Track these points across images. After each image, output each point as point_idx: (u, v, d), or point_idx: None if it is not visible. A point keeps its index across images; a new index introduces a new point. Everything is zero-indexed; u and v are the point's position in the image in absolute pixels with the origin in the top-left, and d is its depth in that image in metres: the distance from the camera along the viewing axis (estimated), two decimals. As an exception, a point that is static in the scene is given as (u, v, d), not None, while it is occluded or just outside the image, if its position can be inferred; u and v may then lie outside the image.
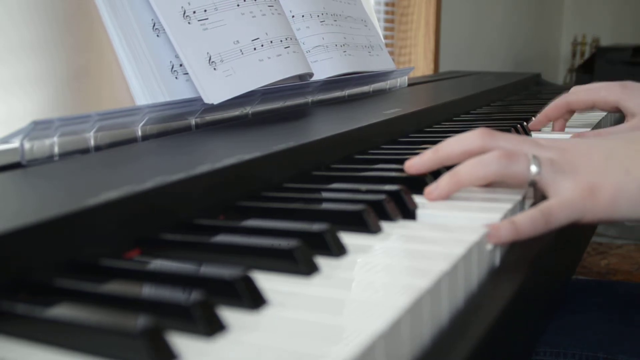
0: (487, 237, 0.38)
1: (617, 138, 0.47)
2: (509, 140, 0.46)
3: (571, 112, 0.76)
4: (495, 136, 0.46)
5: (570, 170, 0.43)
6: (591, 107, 0.74)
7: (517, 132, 0.73)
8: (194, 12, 0.64)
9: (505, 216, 0.42)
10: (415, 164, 0.48)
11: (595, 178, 0.43)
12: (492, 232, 0.39)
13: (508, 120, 0.81)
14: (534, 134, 0.77)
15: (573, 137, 0.67)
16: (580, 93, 0.74)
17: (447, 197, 0.46)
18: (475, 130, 0.47)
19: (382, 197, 0.42)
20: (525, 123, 0.78)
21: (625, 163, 0.43)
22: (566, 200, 0.42)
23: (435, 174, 0.50)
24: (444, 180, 0.45)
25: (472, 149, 0.46)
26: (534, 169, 0.43)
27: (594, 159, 0.44)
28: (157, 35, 0.63)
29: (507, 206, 0.44)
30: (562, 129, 0.77)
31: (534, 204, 0.47)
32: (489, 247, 0.38)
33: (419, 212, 0.43)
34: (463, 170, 0.45)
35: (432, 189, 0.46)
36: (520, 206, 0.46)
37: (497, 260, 0.40)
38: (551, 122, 0.79)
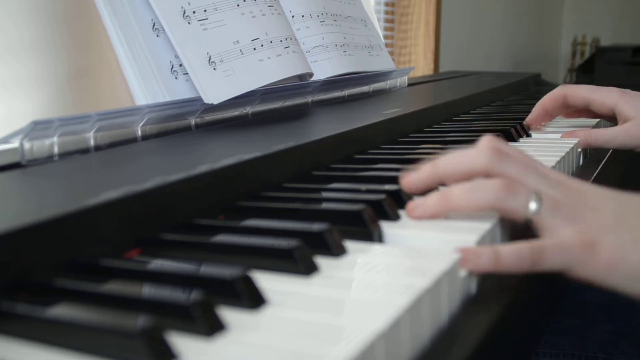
0: (461, 261, 0.35)
1: (631, 198, 0.42)
2: (517, 166, 0.41)
3: (566, 106, 0.75)
4: (502, 157, 0.41)
5: (574, 218, 0.40)
6: (586, 105, 0.73)
7: (517, 132, 0.73)
8: (194, 12, 0.64)
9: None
10: (412, 182, 0.44)
11: (599, 236, 0.39)
12: (470, 257, 0.36)
13: (508, 120, 0.81)
14: (535, 135, 0.76)
15: (575, 150, 0.66)
16: (579, 89, 0.73)
17: (430, 218, 0.42)
18: (481, 147, 0.42)
19: (382, 196, 0.42)
20: (525, 123, 0.78)
21: (635, 231, 0.39)
22: (562, 245, 0.38)
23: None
24: (432, 200, 0.41)
25: (476, 170, 0.41)
26: (532, 206, 0.39)
27: (602, 214, 0.40)
28: (157, 35, 0.63)
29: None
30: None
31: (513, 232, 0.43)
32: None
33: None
34: (456, 195, 0.40)
35: (416, 205, 0.42)
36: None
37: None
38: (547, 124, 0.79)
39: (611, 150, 0.73)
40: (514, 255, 0.36)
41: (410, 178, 0.44)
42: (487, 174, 0.41)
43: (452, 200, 0.41)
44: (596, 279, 0.39)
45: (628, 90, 0.71)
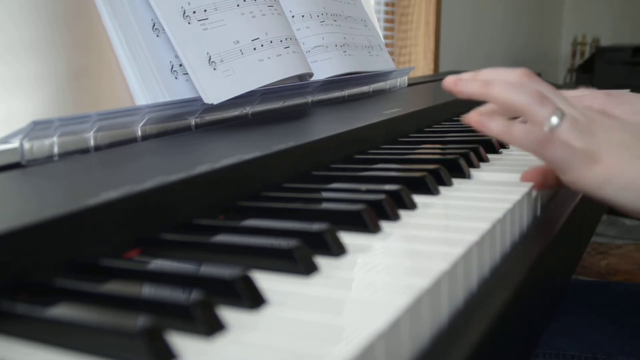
0: (476, 123, 0.43)
1: None
2: (546, 87, 0.47)
3: None
4: (535, 80, 0.48)
5: (587, 135, 0.44)
6: None
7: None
8: (194, 12, 0.64)
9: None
10: (461, 86, 0.49)
11: (604, 152, 0.43)
12: (483, 120, 0.43)
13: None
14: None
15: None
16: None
17: (467, 94, 0.48)
18: (518, 70, 0.48)
19: (381, 196, 0.42)
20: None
21: (637, 150, 0.43)
22: (569, 145, 0.43)
23: (435, 174, 0.50)
24: (475, 83, 0.48)
25: (515, 105, 0.47)
26: (554, 120, 0.44)
27: (613, 137, 0.45)
28: (157, 35, 0.63)
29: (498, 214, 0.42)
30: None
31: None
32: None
33: (404, 221, 0.42)
34: (497, 86, 0.46)
35: (457, 79, 0.49)
36: (510, 216, 0.44)
37: (497, 259, 0.40)
38: None
39: None
40: (525, 130, 0.43)
41: (452, 78, 0.50)
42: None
43: (492, 89, 0.47)
44: (591, 188, 0.43)
45: (613, 92, 0.71)
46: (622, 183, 0.42)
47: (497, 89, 0.46)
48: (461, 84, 0.49)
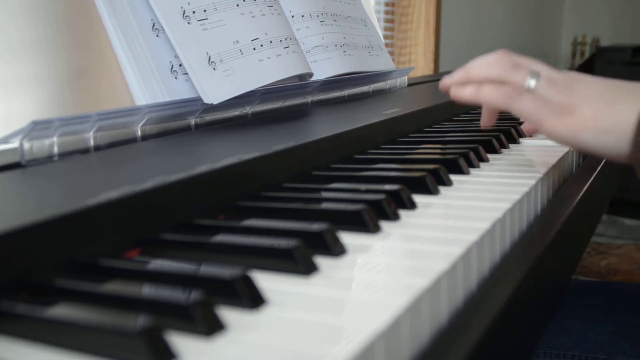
0: (443, 86, 0.48)
1: (620, 83, 0.49)
2: (523, 57, 0.50)
3: None
4: (510, 54, 0.51)
5: (565, 90, 0.47)
6: None
7: (517, 132, 0.73)
8: (194, 12, 0.64)
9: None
10: (447, 82, 0.54)
11: (581, 104, 0.46)
12: (454, 90, 0.48)
13: (507, 120, 0.81)
14: (529, 141, 0.76)
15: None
16: None
17: (455, 83, 0.52)
18: (497, 56, 0.51)
19: (381, 196, 0.42)
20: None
21: (612, 100, 0.45)
22: (542, 98, 0.46)
23: (435, 174, 0.50)
24: (457, 74, 0.52)
25: (493, 78, 0.50)
26: (531, 82, 0.47)
27: (590, 91, 0.47)
28: (157, 35, 0.63)
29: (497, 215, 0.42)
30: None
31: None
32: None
33: (403, 221, 0.42)
34: (474, 68, 0.51)
35: (444, 79, 0.53)
36: (510, 215, 0.45)
37: (497, 259, 0.40)
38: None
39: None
40: (494, 88, 0.47)
41: (447, 79, 0.54)
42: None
43: (472, 72, 0.51)
44: (566, 136, 0.46)
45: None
46: (599, 127, 0.44)
47: (475, 72, 0.51)
48: (446, 81, 0.53)
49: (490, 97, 0.48)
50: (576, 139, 0.46)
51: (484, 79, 0.51)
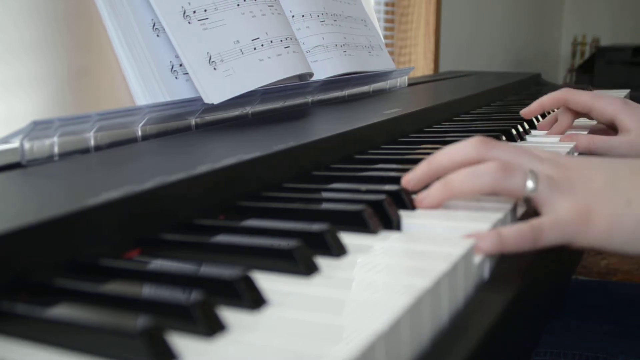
0: (476, 249, 0.37)
1: (621, 164, 0.44)
2: (506, 151, 0.43)
3: (566, 109, 0.75)
4: (491, 146, 0.44)
5: (569, 190, 0.41)
6: (587, 112, 0.73)
7: (517, 132, 0.73)
8: (194, 12, 0.64)
9: (495, 225, 0.40)
10: (411, 181, 0.46)
11: (594, 203, 0.41)
12: (477, 246, 0.37)
13: (508, 120, 0.81)
14: (528, 140, 0.76)
15: (571, 154, 0.66)
16: (582, 95, 0.73)
17: (438, 206, 0.44)
18: (470, 140, 0.45)
19: (382, 197, 0.42)
20: (525, 124, 0.78)
21: (628, 194, 0.41)
22: (560, 220, 0.40)
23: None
24: (436, 189, 0.43)
25: (467, 160, 0.44)
26: (530, 184, 0.41)
27: (595, 182, 0.42)
28: (157, 35, 0.63)
29: (498, 216, 0.42)
30: (561, 132, 0.76)
31: (525, 213, 0.45)
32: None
33: (404, 222, 0.42)
34: (456, 180, 0.42)
35: (423, 196, 0.44)
36: (511, 215, 0.44)
37: (497, 259, 0.40)
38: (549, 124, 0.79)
39: None
40: (515, 235, 0.38)
41: (409, 177, 0.46)
42: (479, 162, 0.43)
43: (454, 186, 0.43)
44: (597, 245, 0.41)
45: (630, 101, 0.71)
46: (625, 235, 0.40)
47: (458, 186, 0.42)
48: (426, 202, 0.44)
49: (519, 244, 0.39)
50: (608, 249, 0.41)
51: (473, 193, 0.43)
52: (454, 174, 0.43)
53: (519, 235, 0.38)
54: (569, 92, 0.74)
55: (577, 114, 0.76)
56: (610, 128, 0.72)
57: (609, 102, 0.70)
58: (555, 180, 0.42)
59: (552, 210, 0.41)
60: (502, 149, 0.44)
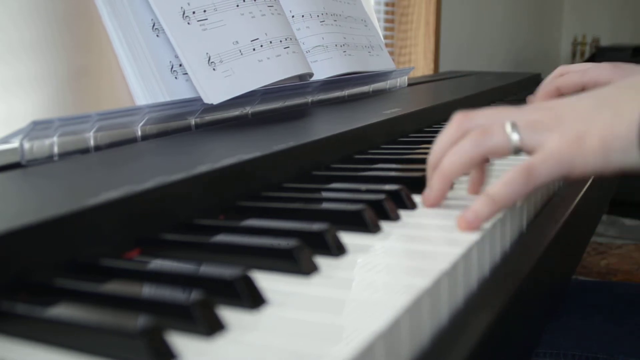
0: (463, 225, 0.37)
1: (605, 89, 0.43)
2: (486, 116, 0.43)
3: (561, 95, 0.75)
4: (470, 117, 0.43)
5: (556, 125, 0.40)
6: (581, 89, 0.73)
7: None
8: (194, 13, 0.64)
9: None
10: (432, 200, 0.44)
11: (583, 126, 0.39)
12: (469, 217, 0.37)
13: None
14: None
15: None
16: (570, 75, 0.72)
17: (443, 196, 0.43)
18: (450, 121, 0.44)
19: (382, 196, 0.42)
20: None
21: (615, 107, 0.39)
22: (550, 153, 0.39)
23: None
24: (434, 181, 0.43)
25: (454, 140, 0.43)
26: (514, 136, 0.40)
27: (581, 108, 0.40)
28: (157, 36, 0.63)
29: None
30: None
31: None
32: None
33: (404, 221, 0.42)
34: (445, 164, 0.42)
35: (427, 194, 0.44)
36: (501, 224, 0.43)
37: (497, 259, 0.40)
38: None
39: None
40: (504, 185, 0.38)
41: (429, 197, 0.44)
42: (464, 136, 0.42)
43: (445, 171, 0.42)
44: (597, 167, 0.39)
45: (619, 64, 0.70)
46: (622, 145, 0.38)
47: (448, 168, 0.42)
48: (431, 198, 0.44)
49: (512, 192, 0.38)
50: (609, 167, 0.39)
51: (464, 167, 0.42)
52: (443, 159, 0.43)
53: (508, 184, 0.38)
54: (557, 81, 0.73)
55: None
56: None
57: (599, 70, 0.69)
58: (539, 121, 0.41)
59: (542, 148, 0.40)
60: (481, 115, 0.43)
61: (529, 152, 0.41)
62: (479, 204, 0.38)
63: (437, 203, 0.44)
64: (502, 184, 0.38)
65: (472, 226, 0.37)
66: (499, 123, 0.41)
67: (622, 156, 0.38)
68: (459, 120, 0.44)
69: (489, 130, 0.41)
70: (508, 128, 0.40)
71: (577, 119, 0.40)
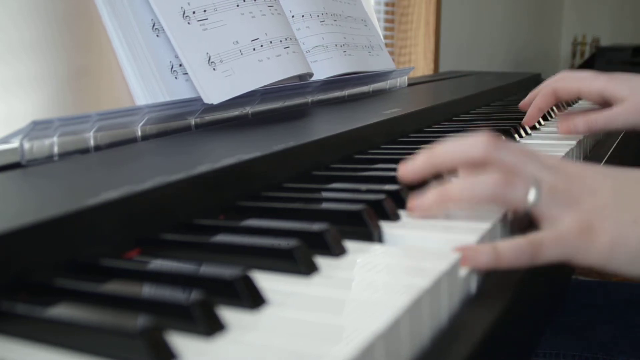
0: (462, 260, 0.35)
1: (628, 176, 0.42)
2: (514, 155, 0.41)
3: (558, 100, 0.75)
4: (498, 147, 0.41)
5: (572, 204, 0.39)
6: (576, 95, 0.73)
7: (517, 132, 0.73)
8: (194, 13, 0.64)
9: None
10: (408, 172, 0.43)
11: (597, 220, 0.38)
12: (470, 255, 0.36)
13: (507, 120, 0.81)
14: (527, 141, 0.76)
15: (571, 155, 0.65)
16: (566, 80, 0.73)
17: (435, 213, 0.42)
18: (476, 138, 0.42)
19: (382, 196, 0.42)
20: (522, 124, 0.78)
21: (634, 212, 0.39)
22: (560, 236, 0.38)
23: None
24: (432, 197, 0.41)
25: (473, 158, 0.41)
26: (532, 197, 0.39)
27: (599, 196, 0.39)
28: (157, 35, 0.63)
29: (497, 215, 0.42)
30: (568, 132, 0.75)
31: (515, 224, 0.44)
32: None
33: (404, 221, 0.41)
34: (456, 191, 0.40)
35: (416, 205, 0.42)
36: (501, 225, 0.43)
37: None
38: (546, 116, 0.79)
39: (612, 149, 0.73)
40: (513, 251, 0.36)
41: (407, 168, 0.44)
42: (483, 163, 0.41)
43: (452, 197, 0.40)
44: (598, 263, 0.38)
45: (615, 74, 0.70)
46: (629, 253, 0.38)
47: (457, 196, 0.40)
48: (419, 211, 0.42)
49: (516, 260, 0.37)
50: (609, 267, 0.38)
51: (473, 202, 0.41)
52: (454, 184, 0.41)
53: (516, 251, 0.36)
54: (555, 84, 0.73)
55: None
56: (604, 106, 0.71)
57: (592, 81, 0.70)
58: (558, 191, 0.39)
59: (552, 224, 0.39)
60: (508, 151, 0.41)
61: (537, 218, 0.40)
62: (483, 251, 0.36)
63: (425, 216, 0.42)
64: (510, 248, 0.37)
65: (469, 264, 0.36)
66: (524, 177, 0.40)
67: (625, 264, 0.38)
68: (485, 144, 0.41)
69: (512, 184, 0.39)
70: (532, 194, 0.39)
71: (593, 207, 0.39)
